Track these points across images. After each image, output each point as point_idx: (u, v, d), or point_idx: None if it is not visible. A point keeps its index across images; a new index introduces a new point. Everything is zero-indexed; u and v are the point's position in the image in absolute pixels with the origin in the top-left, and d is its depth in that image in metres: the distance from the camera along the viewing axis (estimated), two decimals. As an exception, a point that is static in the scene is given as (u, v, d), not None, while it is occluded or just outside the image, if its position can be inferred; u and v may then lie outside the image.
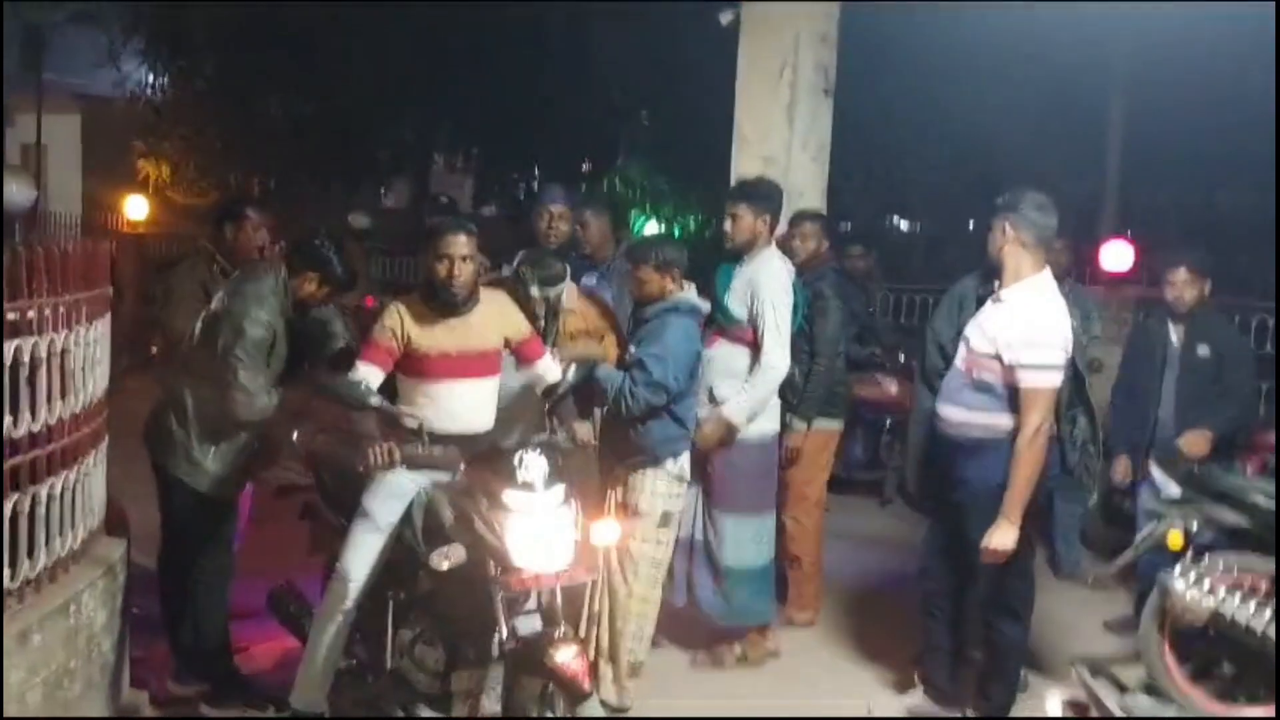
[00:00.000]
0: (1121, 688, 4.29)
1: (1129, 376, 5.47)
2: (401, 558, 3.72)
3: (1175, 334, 5.23)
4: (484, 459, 3.65)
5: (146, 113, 16.67)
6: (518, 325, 3.96)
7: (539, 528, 3.39)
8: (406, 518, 3.71)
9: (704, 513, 4.62)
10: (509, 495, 3.42)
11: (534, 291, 4.22)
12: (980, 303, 4.13)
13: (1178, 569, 4.20)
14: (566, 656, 3.29)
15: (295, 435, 4.04)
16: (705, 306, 4.43)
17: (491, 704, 3.47)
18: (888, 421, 7.35)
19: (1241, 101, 12.43)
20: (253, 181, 16.16)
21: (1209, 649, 4.32)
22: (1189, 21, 10.73)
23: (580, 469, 4.12)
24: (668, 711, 4.34)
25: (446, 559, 3.42)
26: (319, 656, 3.72)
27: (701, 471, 4.55)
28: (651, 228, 14.37)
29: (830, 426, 5.25)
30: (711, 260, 4.83)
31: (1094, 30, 12.42)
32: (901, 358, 7.31)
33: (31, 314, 3.23)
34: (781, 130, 6.09)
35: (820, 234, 5.38)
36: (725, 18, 6.36)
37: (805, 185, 6.11)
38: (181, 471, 3.96)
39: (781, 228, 5.38)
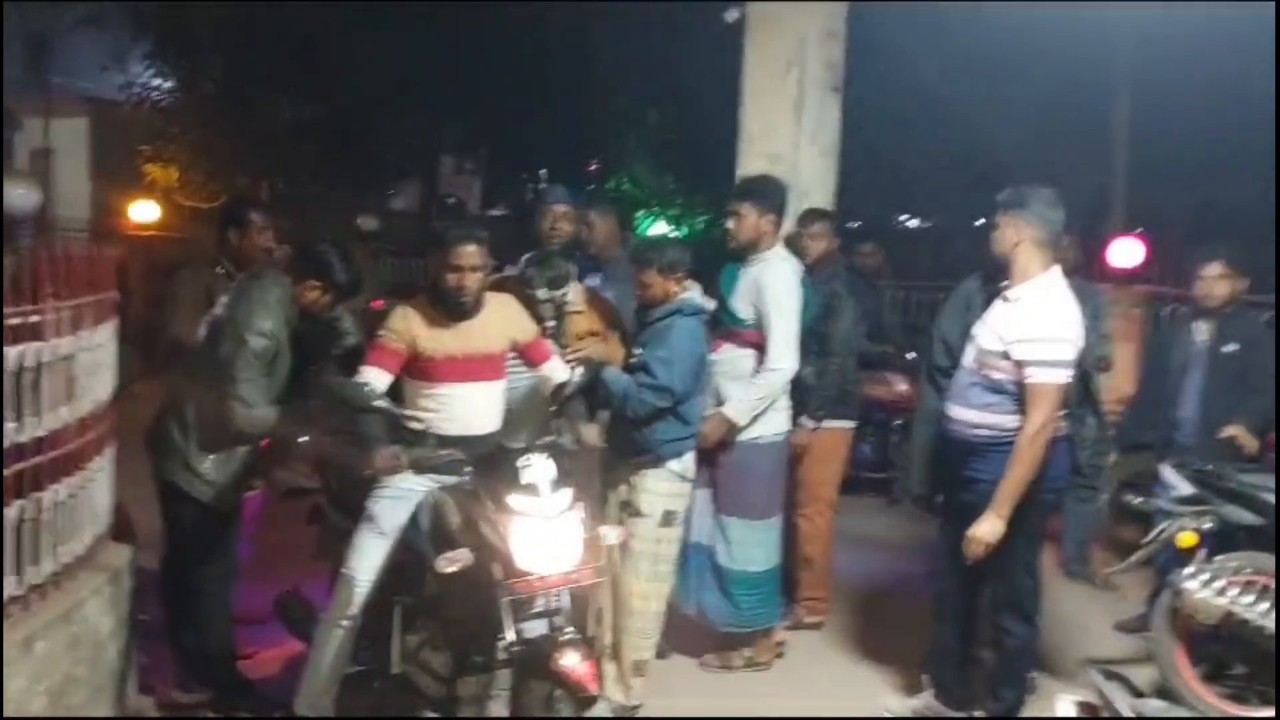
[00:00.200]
0: (1135, 691, 4.26)
1: (1151, 375, 5.41)
2: (407, 562, 3.72)
3: (1201, 332, 5.14)
4: (490, 462, 3.64)
5: (154, 116, 16.69)
6: (524, 327, 3.96)
7: (545, 531, 3.38)
8: (412, 521, 3.71)
9: (714, 519, 4.59)
10: (515, 498, 3.42)
11: (542, 293, 4.21)
12: (988, 301, 4.10)
13: (1189, 569, 4.18)
14: (573, 660, 3.28)
15: (302, 438, 4.03)
16: (710, 306, 4.41)
17: (498, 708, 3.44)
18: (897, 421, 7.32)
19: (1249, 98, 12.37)
20: (261, 184, 16.16)
21: (1222, 650, 4.29)
22: (1196, 17, 10.69)
23: (584, 471, 4.11)
24: (675, 712, 4.33)
25: (452, 563, 3.41)
26: (325, 661, 3.70)
27: (711, 475, 4.53)
28: (658, 227, 14.35)
29: (844, 426, 5.23)
30: (718, 259, 4.80)
31: (1101, 26, 12.37)
32: (911, 356, 7.28)
33: (36, 318, 3.22)
34: (789, 128, 6.05)
35: (830, 233, 5.35)
36: (731, 15, 6.33)
37: (813, 183, 6.07)
38: (181, 479, 3.95)
39: (790, 226, 5.37)
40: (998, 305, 3.99)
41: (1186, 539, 4.26)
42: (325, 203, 15.22)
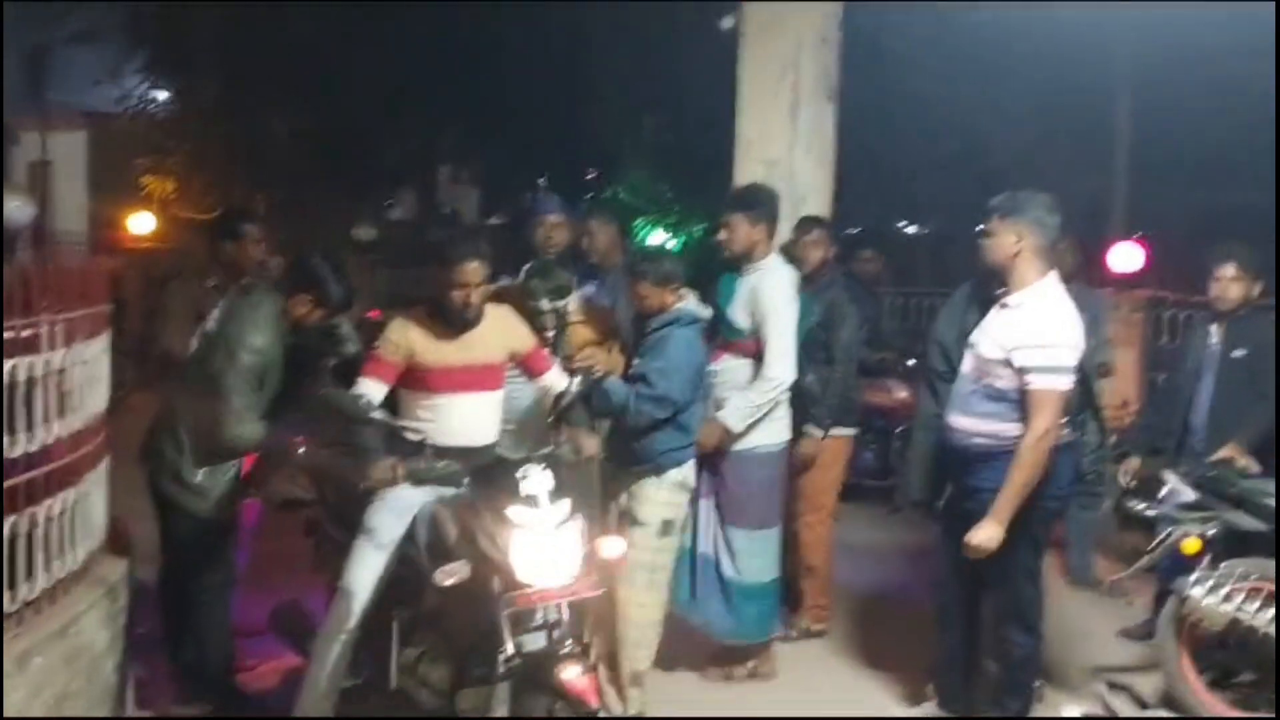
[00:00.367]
0: (1141, 703, 4.23)
1: (1168, 380, 5.35)
2: (405, 574, 3.69)
3: (1214, 335, 5.04)
4: (488, 473, 3.61)
5: (151, 129, 16.70)
6: (523, 338, 3.95)
7: (544, 542, 3.36)
8: (410, 534, 3.68)
9: (717, 529, 4.56)
10: (513, 510, 3.39)
11: (544, 304, 4.19)
12: (984, 306, 4.06)
13: (1194, 576, 4.15)
14: (573, 674, 3.25)
15: (299, 450, 4.00)
16: (707, 315, 4.39)
17: (498, 722, 3.42)
18: (897, 428, 7.29)
19: (1250, 99, 12.37)
20: (258, 195, 16.16)
21: (1228, 656, 4.26)
22: (1196, 20, 10.68)
23: (584, 481, 4.08)
24: (676, 721, 4.30)
25: (450, 575, 3.38)
26: (323, 675, 3.67)
27: (712, 487, 4.51)
28: (656, 236, 14.35)
29: (844, 433, 5.21)
30: (716, 267, 4.78)
31: (1100, 29, 12.38)
32: (911, 363, 7.25)
33: (28, 332, 3.19)
34: (785, 134, 6.04)
35: (827, 240, 5.32)
36: (726, 22, 6.33)
37: (809, 190, 6.06)
38: (173, 492, 3.94)
39: (786, 234, 5.35)
40: (995, 313, 3.95)
41: (1191, 545, 4.23)
42: (322, 213, 15.22)
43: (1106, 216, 14.37)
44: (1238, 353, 4.92)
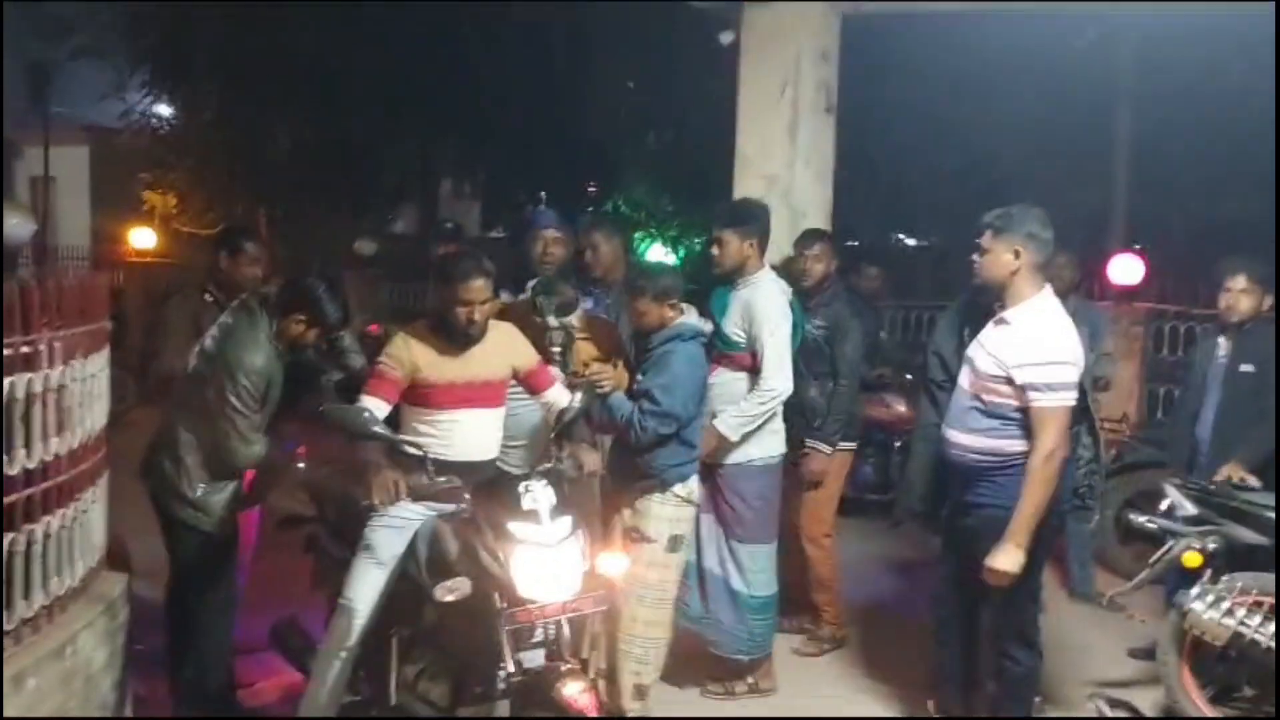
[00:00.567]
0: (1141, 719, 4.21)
1: (1181, 395, 5.32)
2: (406, 590, 3.68)
3: (1222, 348, 5.02)
4: (489, 489, 3.61)
5: (153, 144, 16.75)
6: (526, 355, 3.94)
7: (545, 558, 3.35)
8: (410, 550, 3.67)
9: (722, 543, 4.56)
10: (514, 525, 3.38)
11: (552, 320, 4.18)
12: (981, 317, 4.04)
13: (1196, 590, 4.13)
14: (574, 690, 3.24)
15: (299, 466, 4.00)
16: (708, 329, 4.39)
17: (497, 739, 3.40)
18: (897, 442, 7.28)
19: (1250, 112, 12.38)
20: (259, 210, 16.20)
21: (1230, 670, 4.24)
22: (1196, 32, 10.69)
23: (586, 496, 4.07)
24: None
25: (451, 591, 3.37)
26: (323, 692, 3.66)
27: (711, 502, 4.51)
28: (656, 250, 14.36)
29: (846, 447, 5.21)
30: (715, 281, 4.78)
31: (1101, 43, 12.42)
32: (909, 377, 7.25)
33: (27, 349, 3.19)
34: (784, 149, 6.06)
35: (829, 253, 5.30)
36: (726, 38, 6.34)
37: (809, 204, 6.08)
38: (175, 508, 3.94)
39: (789, 248, 5.35)
40: (992, 328, 3.92)
41: (1191, 559, 4.22)
42: (324, 227, 15.25)
43: (1106, 229, 14.38)
44: (1246, 366, 4.89)
